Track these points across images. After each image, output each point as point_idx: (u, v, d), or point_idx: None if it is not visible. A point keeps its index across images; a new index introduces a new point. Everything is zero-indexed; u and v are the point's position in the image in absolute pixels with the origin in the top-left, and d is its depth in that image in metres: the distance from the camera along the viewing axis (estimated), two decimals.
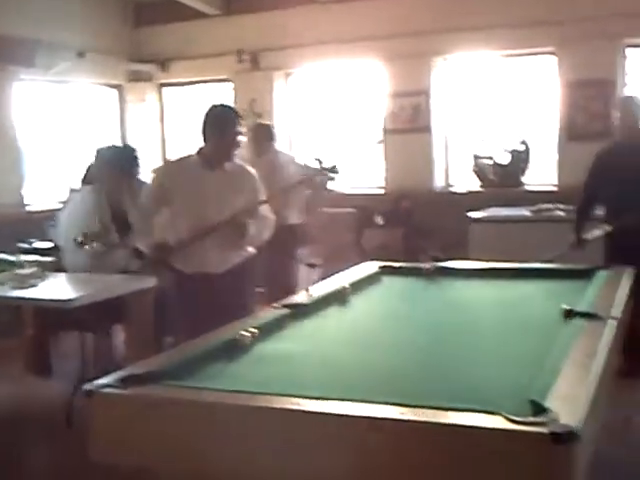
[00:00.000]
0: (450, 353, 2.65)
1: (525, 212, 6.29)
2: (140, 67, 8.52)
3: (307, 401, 2.03)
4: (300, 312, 3.21)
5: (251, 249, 4.15)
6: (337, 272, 4.05)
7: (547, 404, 1.91)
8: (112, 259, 4.94)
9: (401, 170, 7.48)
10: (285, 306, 3.25)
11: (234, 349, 2.70)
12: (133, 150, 5.11)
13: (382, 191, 7.69)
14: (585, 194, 4.95)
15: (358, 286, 3.78)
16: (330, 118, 8.13)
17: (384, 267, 4.28)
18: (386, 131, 7.61)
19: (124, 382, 2.26)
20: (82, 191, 5.29)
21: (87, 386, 2.24)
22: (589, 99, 6.74)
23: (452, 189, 7.56)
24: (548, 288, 3.66)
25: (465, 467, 1.81)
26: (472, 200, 7.10)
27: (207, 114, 3.97)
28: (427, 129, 7.41)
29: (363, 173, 8.00)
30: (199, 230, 3.89)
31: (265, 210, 4.15)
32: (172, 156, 4.70)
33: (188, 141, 7.55)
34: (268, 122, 6.85)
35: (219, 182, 3.94)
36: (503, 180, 7.19)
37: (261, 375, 2.43)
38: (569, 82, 6.87)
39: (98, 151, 5.01)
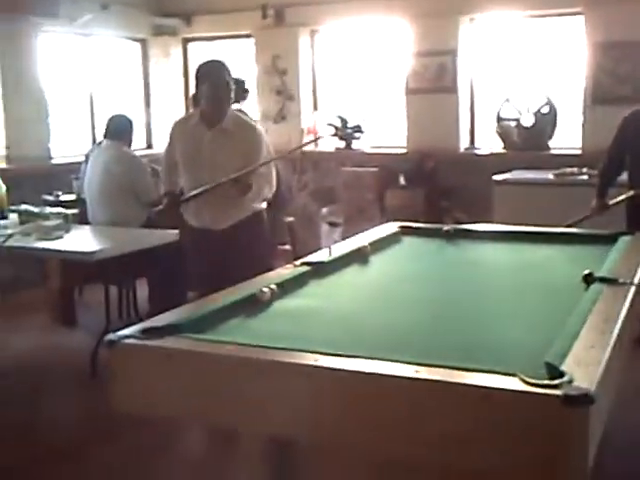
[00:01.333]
0: (467, 313, 2.67)
1: (549, 175, 6.23)
2: (164, 21, 8.46)
3: (324, 357, 2.06)
4: (320, 270, 3.24)
5: (257, 205, 4.16)
6: (359, 232, 4.08)
7: (563, 367, 1.93)
8: (134, 213, 5.01)
9: (424, 130, 7.42)
10: (305, 264, 3.28)
11: (253, 305, 2.74)
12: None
13: (404, 150, 7.64)
14: (609, 158, 4.90)
15: (378, 246, 3.80)
16: (354, 76, 8.06)
17: (404, 227, 4.29)
18: (409, 90, 7.53)
19: (145, 333, 2.31)
20: (103, 145, 5.33)
21: (109, 337, 2.30)
22: (617, 61, 6.61)
23: (476, 151, 7.49)
24: (569, 253, 3.65)
25: (479, 427, 1.83)
26: (496, 162, 7.03)
27: (196, 71, 4.00)
28: (453, 89, 7.32)
29: (386, 132, 7.94)
30: (202, 186, 3.91)
31: (266, 168, 4.13)
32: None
33: None
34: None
35: (214, 141, 3.95)
36: (527, 142, 7.11)
37: (278, 330, 2.46)
38: (596, 43, 6.73)
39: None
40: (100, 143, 5.49)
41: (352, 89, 8.09)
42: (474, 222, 4.65)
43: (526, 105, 7.20)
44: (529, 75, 7.33)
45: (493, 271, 3.35)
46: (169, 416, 2.30)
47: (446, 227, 4.16)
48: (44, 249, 4.22)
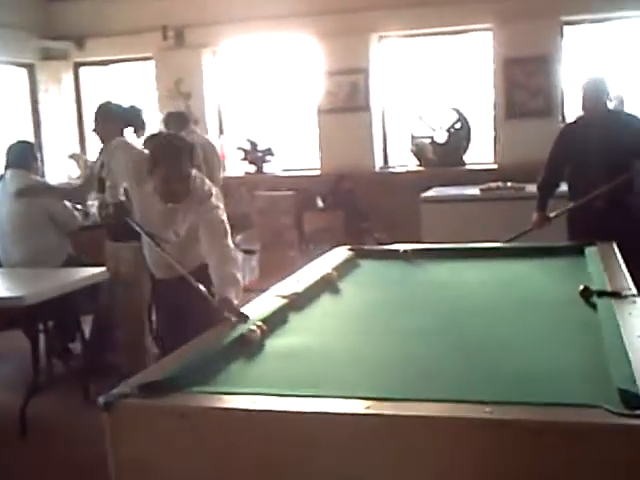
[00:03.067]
0: (484, 342, 2.44)
1: (475, 191, 6.20)
2: (54, 44, 7.92)
3: (373, 403, 1.80)
4: (297, 302, 2.97)
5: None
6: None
7: None
8: (56, 245, 4.58)
9: (339, 150, 7.26)
10: (280, 296, 3.00)
11: (245, 345, 2.44)
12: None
13: (318, 172, 7.46)
14: (548, 170, 4.85)
15: (341, 271, 3.56)
16: (263, 97, 7.82)
17: (356, 251, 4.07)
18: (321, 111, 7.37)
19: (143, 391, 1.97)
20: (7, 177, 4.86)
21: (103, 398, 1.93)
22: (529, 75, 6.71)
23: (391, 169, 7.41)
24: (542, 266, 3.54)
25: (574, 469, 1.62)
26: (413, 180, 6.98)
27: (150, 150, 3.50)
28: (366, 108, 7.22)
29: (300, 154, 7.74)
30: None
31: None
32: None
33: None
34: (178, 110, 6.52)
35: (166, 214, 3.54)
36: (443, 159, 7.10)
37: (292, 375, 2.17)
38: (506, 59, 6.83)
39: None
40: (2, 176, 4.98)
41: (260, 111, 7.85)
42: (395, 242, 4.44)
43: (439, 122, 7.19)
44: (440, 92, 7.34)
45: (477, 291, 3.16)
46: None
47: (402, 248, 3.98)
48: None
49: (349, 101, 7.20)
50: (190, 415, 1.87)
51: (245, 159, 7.68)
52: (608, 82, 4.70)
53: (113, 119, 4.41)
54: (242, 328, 2.53)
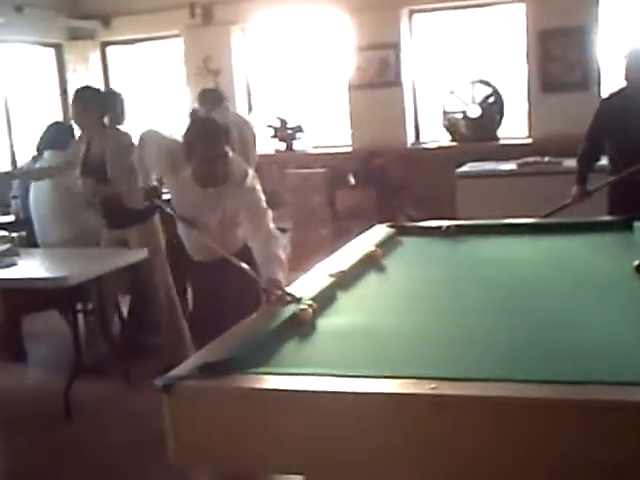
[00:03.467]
0: (551, 319, 2.37)
1: (512, 166, 6.10)
2: (81, 24, 7.88)
3: (442, 383, 1.75)
4: (342, 280, 2.93)
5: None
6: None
7: None
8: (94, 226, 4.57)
9: (370, 127, 7.17)
10: (327, 274, 2.95)
11: (297, 326, 2.40)
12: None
13: (349, 149, 7.38)
14: (588, 143, 4.74)
15: (385, 249, 3.51)
16: (292, 73, 7.73)
17: (397, 228, 4.01)
18: (351, 86, 7.28)
19: (203, 372, 1.94)
20: (46, 157, 4.85)
21: (162, 381, 1.90)
22: (564, 47, 6.57)
23: (425, 145, 7.32)
24: (590, 242, 3.46)
25: None
26: (445, 156, 6.89)
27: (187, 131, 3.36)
28: (397, 83, 7.11)
29: (331, 130, 7.66)
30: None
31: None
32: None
33: (135, 106, 7.03)
34: (212, 87, 6.50)
35: (205, 199, 3.40)
36: (475, 134, 6.99)
37: (348, 354, 2.13)
38: (540, 31, 6.68)
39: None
40: (38, 156, 4.97)
41: (290, 88, 7.77)
42: (429, 219, 4.36)
43: (471, 96, 7.08)
44: (472, 66, 7.21)
45: (529, 269, 3.08)
46: (249, 465, 1.93)
47: (445, 225, 3.91)
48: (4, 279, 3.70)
49: (380, 76, 7.10)
50: (253, 396, 1.85)
51: (275, 136, 7.61)
52: None
53: (92, 107, 4.32)
54: (293, 308, 2.50)
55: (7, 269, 3.83)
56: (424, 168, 6.95)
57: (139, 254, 4.04)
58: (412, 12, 7.15)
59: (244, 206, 3.31)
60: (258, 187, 3.44)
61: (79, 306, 4.36)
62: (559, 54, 6.58)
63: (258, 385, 1.87)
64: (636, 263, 2.81)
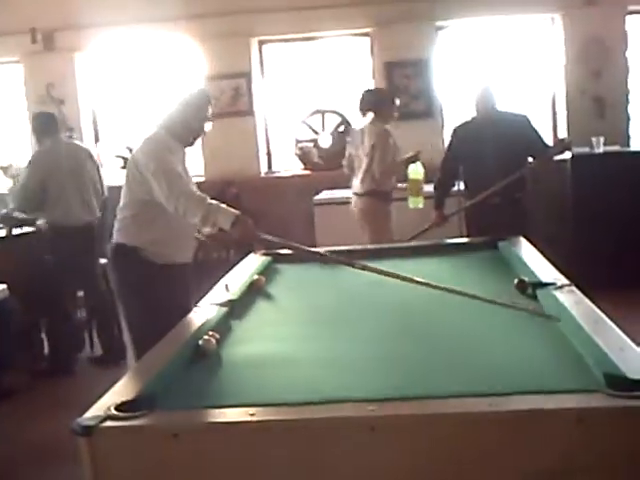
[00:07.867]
0: (449, 339, 2.43)
1: None
2: None
3: (379, 405, 1.77)
4: (236, 309, 2.90)
5: None
6: None
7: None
8: None
9: (223, 156, 7.14)
10: (217, 304, 2.90)
11: (202, 357, 2.34)
12: None
13: (202, 179, 7.30)
14: (444, 170, 5.00)
15: (267, 277, 3.50)
16: (142, 102, 7.55)
17: (271, 256, 4.00)
18: None
19: (121, 411, 1.84)
20: None
21: (80, 422, 1.78)
22: (408, 78, 6.89)
23: (279, 174, 7.38)
24: (464, 261, 3.63)
25: (581, 450, 1.67)
26: (299, 184, 7.00)
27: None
28: (250, 112, 7.15)
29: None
30: None
31: None
32: None
33: None
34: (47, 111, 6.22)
35: None
36: (328, 162, 7.13)
37: (265, 383, 2.10)
38: (384, 62, 6.98)
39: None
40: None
41: (139, 117, 7.58)
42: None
43: (322, 125, 7.23)
44: (322, 95, 7.38)
45: (413, 290, 3.17)
46: None
47: (322, 251, 3.94)
48: None
49: (232, 106, 7.10)
50: (185, 434, 1.77)
51: (124, 167, 7.38)
52: (496, 85, 4.92)
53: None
54: (196, 339, 2.43)
55: None
56: (280, 197, 7.01)
57: None
58: (262, 42, 7.23)
59: None
60: None
61: None
62: (405, 84, 6.88)
63: (187, 421, 1.79)
64: (516, 281, 2.98)
